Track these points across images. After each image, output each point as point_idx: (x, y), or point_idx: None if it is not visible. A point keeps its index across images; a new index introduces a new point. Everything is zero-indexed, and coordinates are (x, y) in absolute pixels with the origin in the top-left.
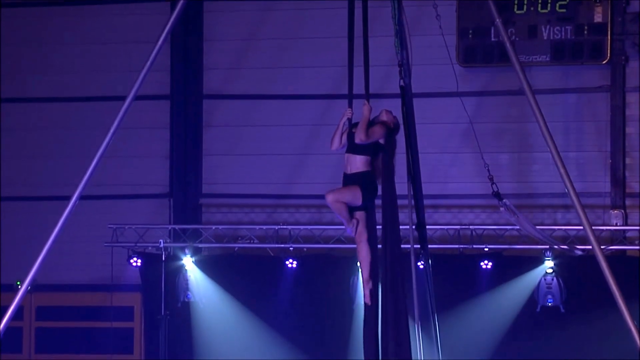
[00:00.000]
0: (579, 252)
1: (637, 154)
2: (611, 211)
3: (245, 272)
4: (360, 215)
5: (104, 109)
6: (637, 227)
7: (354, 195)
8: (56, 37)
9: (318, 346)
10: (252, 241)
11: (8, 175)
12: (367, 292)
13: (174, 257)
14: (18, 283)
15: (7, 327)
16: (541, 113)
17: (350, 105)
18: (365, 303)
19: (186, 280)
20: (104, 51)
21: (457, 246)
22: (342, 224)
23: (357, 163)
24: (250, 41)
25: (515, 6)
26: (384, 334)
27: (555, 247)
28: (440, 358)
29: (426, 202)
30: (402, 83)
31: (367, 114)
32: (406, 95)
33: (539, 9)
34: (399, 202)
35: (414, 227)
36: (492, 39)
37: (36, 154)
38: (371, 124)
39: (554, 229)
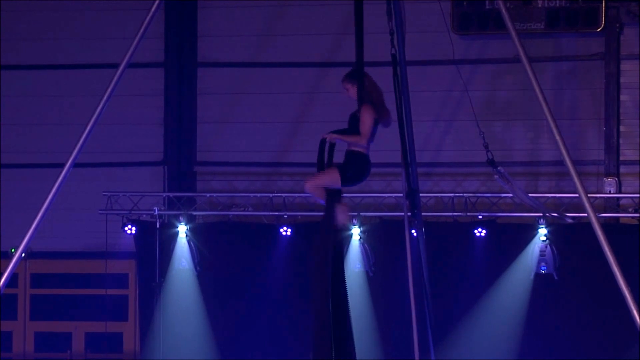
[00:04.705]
0: (569, 220)
1: (631, 121)
2: (605, 179)
3: (240, 240)
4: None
5: (98, 77)
6: (631, 195)
7: (332, 178)
8: (51, 4)
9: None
10: (246, 209)
11: (2, 142)
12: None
13: (168, 225)
14: (12, 250)
15: (2, 294)
16: (537, 80)
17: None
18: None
19: (180, 247)
20: (98, 18)
21: (450, 214)
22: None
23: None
24: (245, 8)
25: None
26: None
27: (548, 215)
28: (431, 326)
29: (420, 169)
30: (393, 51)
31: (335, 137)
32: (398, 64)
33: None
34: (393, 169)
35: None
36: (487, 7)
37: (29, 121)
38: (355, 118)
39: (548, 197)
